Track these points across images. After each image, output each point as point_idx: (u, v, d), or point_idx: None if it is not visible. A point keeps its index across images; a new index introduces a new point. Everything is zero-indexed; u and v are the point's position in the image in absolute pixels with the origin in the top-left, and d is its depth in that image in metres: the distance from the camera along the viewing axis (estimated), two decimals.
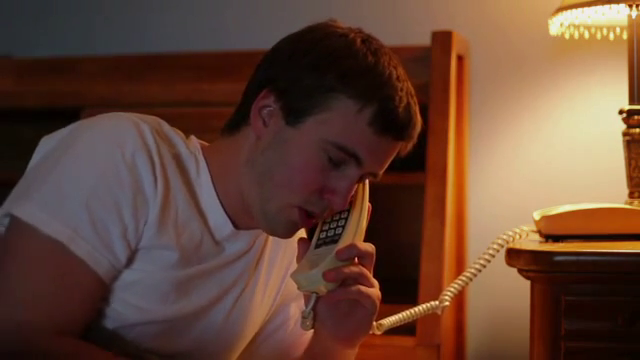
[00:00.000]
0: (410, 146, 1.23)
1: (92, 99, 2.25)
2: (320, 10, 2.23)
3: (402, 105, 1.17)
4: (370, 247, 1.20)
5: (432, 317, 1.79)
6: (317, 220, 1.21)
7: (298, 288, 1.20)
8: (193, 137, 1.26)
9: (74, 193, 1.11)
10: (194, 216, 1.20)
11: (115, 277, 1.15)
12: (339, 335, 1.24)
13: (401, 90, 1.17)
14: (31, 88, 2.34)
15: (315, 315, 1.22)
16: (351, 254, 1.18)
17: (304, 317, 1.21)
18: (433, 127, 2.00)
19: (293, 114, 1.16)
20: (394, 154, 1.21)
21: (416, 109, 1.20)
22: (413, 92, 1.21)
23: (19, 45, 2.52)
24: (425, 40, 2.08)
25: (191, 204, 1.20)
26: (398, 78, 1.18)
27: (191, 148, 1.23)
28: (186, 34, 2.40)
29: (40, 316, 1.09)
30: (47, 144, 1.19)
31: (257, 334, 1.35)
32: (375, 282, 1.21)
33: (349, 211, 1.22)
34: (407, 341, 1.85)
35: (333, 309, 1.21)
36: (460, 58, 2.12)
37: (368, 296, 1.19)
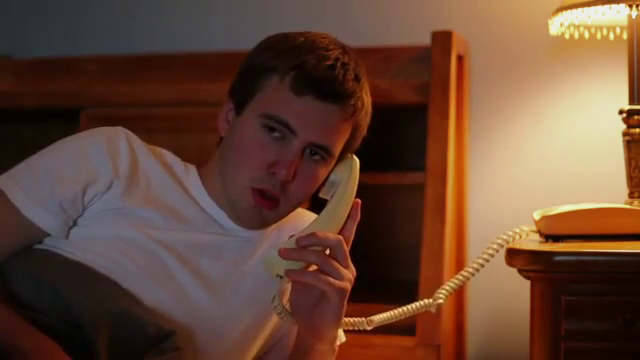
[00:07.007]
0: (360, 118, 1.27)
1: (92, 99, 2.25)
2: (320, 10, 2.23)
3: (322, 65, 1.22)
4: (335, 237, 1.22)
5: (432, 317, 1.79)
6: (275, 200, 1.25)
7: (268, 273, 1.23)
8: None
9: (31, 161, 1.26)
10: (174, 188, 1.29)
11: (64, 229, 1.24)
12: (309, 326, 1.25)
13: (325, 54, 1.23)
14: (31, 88, 2.34)
15: (292, 307, 1.25)
16: (310, 242, 1.21)
17: (271, 302, 1.23)
18: (433, 127, 2.00)
19: (239, 105, 1.28)
20: (332, 121, 1.24)
21: (348, 75, 1.23)
22: (354, 62, 1.25)
23: (19, 45, 2.52)
24: (425, 40, 2.08)
25: (176, 188, 1.29)
26: (326, 48, 1.24)
27: (182, 162, 1.34)
28: (185, 34, 2.40)
29: None
30: None
31: (266, 342, 1.35)
32: (346, 275, 1.22)
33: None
34: (407, 341, 1.84)
35: (304, 297, 1.23)
36: (460, 58, 2.11)
37: (328, 284, 1.19)
